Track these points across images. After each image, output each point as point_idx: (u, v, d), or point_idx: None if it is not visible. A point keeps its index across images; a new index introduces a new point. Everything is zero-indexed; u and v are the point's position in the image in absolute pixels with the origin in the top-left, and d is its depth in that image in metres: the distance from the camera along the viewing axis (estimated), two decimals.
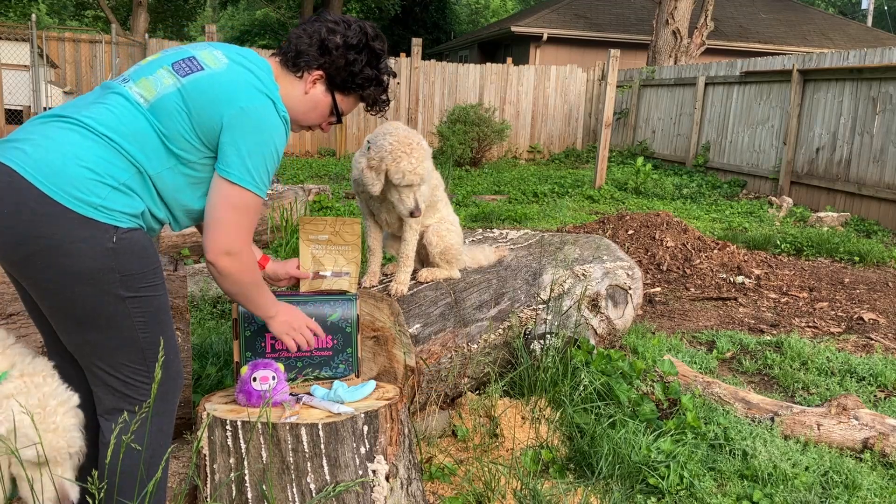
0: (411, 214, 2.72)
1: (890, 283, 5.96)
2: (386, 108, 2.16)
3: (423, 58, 15.76)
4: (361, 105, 2.10)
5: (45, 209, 1.62)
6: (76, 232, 1.64)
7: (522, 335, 3.18)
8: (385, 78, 2.06)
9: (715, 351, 4.23)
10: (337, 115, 2.04)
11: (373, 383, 2.21)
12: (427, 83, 15.14)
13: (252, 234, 1.87)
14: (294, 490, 1.99)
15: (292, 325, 2.08)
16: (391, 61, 14.94)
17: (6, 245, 1.66)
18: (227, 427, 1.97)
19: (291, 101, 1.93)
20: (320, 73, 1.95)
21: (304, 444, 1.98)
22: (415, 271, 3.25)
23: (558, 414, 2.96)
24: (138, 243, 1.74)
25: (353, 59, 1.95)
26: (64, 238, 1.64)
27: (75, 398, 1.76)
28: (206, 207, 1.84)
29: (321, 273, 2.38)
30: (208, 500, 2.03)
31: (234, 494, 1.98)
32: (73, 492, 1.73)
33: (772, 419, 3.10)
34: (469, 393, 3.08)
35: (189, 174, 1.82)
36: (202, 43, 1.96)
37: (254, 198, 1.81)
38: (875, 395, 3.64)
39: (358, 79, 1.98)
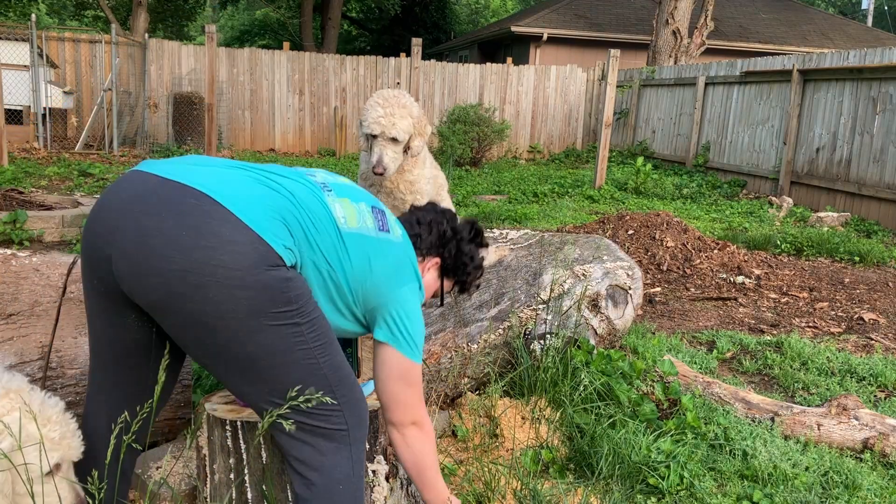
0: (374, 169, 2.68)
1: (890, 283, 5.96)
2: (476, 290, 2.30)
3: (423, 58, 15.77)
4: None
5: (237, 236, 1.49)
6: (265, 263, 1.52)
7: (522, 335, 3.18)
8: (483, 267, 2.20)
9: (715, 351, 4.23)
10: (441, 298, 2.15)
11: (373, 383, 2.21)
12: (427, 83, 15.14)
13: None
14: None
15: None
16: (391, 62, 14.95)
17: (172, 273, 1.48)
18: (227, 427, 1.96)
19: None
20: (437, 260, 2.07)
21: None
22: None
23: (558, 414, 2.96)
24: (297, 272, 1.66)
25: (466, 251, 2.10)
26: (251, 269, 1.50)
27: (62, 403, 1.73)
28: (381, 381, 1.85)
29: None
30: (208, 500, 2.03)
31: (234, 494, 1.98)
32: (80, 492, 1.74)
33: (772, 419, 3.10)
34: (469, 393, 3.08)
35: (324, 297, 1.76)
36: (348, 184, 1.92)
37: (420, 368, 1.88)
38: (875, 395, 3.64)
39: (469, 268, 2.12)
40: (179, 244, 1.47)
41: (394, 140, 2.66)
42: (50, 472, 1.65)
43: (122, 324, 1.68)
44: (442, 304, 2.19)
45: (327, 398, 1.66)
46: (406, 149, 2.77)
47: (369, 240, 1.77)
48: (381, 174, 2.67)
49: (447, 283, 2.15)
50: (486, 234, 2.38)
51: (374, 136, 2.64)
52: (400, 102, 2.65)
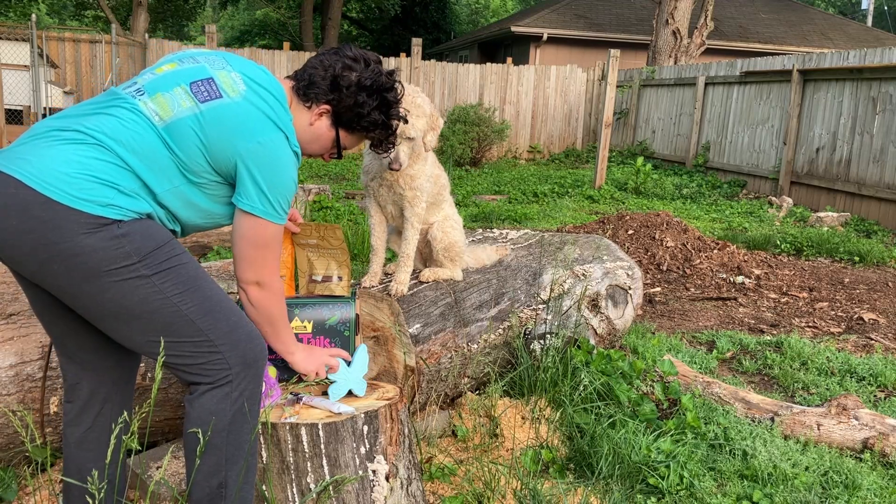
0: (391, 166, 2.71)
1: (890, 283, 5.96)
2: (392, 149, 2.18)
3: (423, 58, 15.77)
4: None
5: (50, 214, 1.61)
6: (82, 229, 1.63)
7: (522, 335, 3.18)
8: (394, 123, 2.08)
9: (715, 351, 4.23)
10: (338, 150, 2.06)
11: (364, 346, 2.21)
12: (427, 83, 15.14)
13: (278, 263, 1.90)
14: (294, 490, 1.99)
15: (313, 363, 2.12)
16: (390, 62, 14.95)
17: (21, 257, 1.65)
18: None
19: (296, 129, 1.94)
20: (327, 107, 1.96)
21: (304, 443, 1.98)
22: (417, 271, 3.25)
23: (558, 414, 2.96)
24: (145, 223, 1.73)
25: (362, 102, 1.96)
26: (72, 238, 1.62)
27: None
28: (232, 239, 1.86)
29: (314, 277, 2.38)
30: None
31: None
32: None
33: (772, 419, 3.10)
34: (469, 393, 3.08)
35: (196, 193, 1.81)
36: (219, 56, 1.93)
37: (276, 228, 1.85)
38: (875, 395, 3.64)
39: (364, 121, 2.00)
40: (17, 233, 1.63)
41: (410, 139, 2.69)
42: None
43: (38, 292, 1.82)
44: (340, 157, 2.08)
45: (197, 342, 1.76)
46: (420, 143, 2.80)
47: (189, 119, 1.77)
48: (398, 170, 2.72)
49: (348, 136, 2.03)
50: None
51: None
52: (415, 102, 2.69)
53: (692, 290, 5.63)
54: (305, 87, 1.94)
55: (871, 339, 4.55)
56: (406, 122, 2.16)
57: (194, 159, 1.77)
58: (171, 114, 1.76)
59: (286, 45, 15.20)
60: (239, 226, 1.84)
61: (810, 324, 4.90)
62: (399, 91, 2.05)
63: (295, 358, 2.08)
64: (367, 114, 1.98)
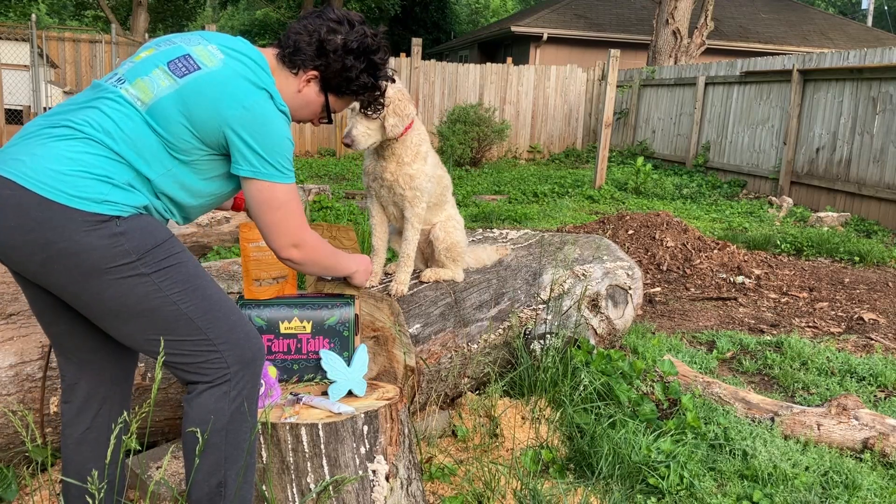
0: (343, 140, 2.73)
1: (890, 283, 5.96)
2: (381, 110, 2.17)
3: (423, 58, 15.76)
4: None
5: (47, 213, 1.61)
6: (81, 228, 1.63)
7: (522, 335, 3.18)
8: (383, 84, 2.05)
9: (715, 351, 4.23)
10: (328, 114, 2.03)
11: (364, 346, 2.22)
12: (427, 83, 15.14)
13: (304, 216, 1.87)
14: (294, 490, 1.99)
15: (367, 274, 2.27)
16: (391, 62, 14.94)
17: (21, 258, 1.65)
18: None
19: (284, 96, 1.91)
20: (315, 73, 1.93)
21: (304, 444, 1.98)
22: (418, 271, 3.25)
23: (558, 414, 2.96)
24: (145, 220, 1.72)
25: (350, 66, 1.93)
26: (71, 237, 1.62)
27: None
28: (251, 212, 1.85)
29: (324, 276, 2.38)
30: None
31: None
32: None
33: (772, 419, 3.10)
34: (469, 393, 3.08)
35: (190, 174, 1.81)
36: (195, 34, 1.92)
37: (286, 187, 1.82)
38: (875, 395, 3.64)
39: (353, 85, 1.97)
40: (16, 234, 1.63)
41: (365, 115, 2.68)
42: None
43: (38, 292, 1.83)
44: (330, 121, 2.06)
45: (195, 341, 1.76)
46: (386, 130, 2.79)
47: (169, 97, 1.75)
48: (349, 145, 2.72)
49: (338, 100, 2.01)
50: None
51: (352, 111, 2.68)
52: None
53: (692, 290, 5.62)
54: (291, 54, 1.91)
55: (871, 339, 4.55)
56: (394, 80, 2.14)
57: (180, 137, 1.75)
58: (152, 96, 1.76)
59: None
60: (249, 195, 1.82)
61: (810, 324, 4.90)
62: (386, 52, 2.02)
63: (356, 277, 2.23)
64: (355, 77, 1.95)
